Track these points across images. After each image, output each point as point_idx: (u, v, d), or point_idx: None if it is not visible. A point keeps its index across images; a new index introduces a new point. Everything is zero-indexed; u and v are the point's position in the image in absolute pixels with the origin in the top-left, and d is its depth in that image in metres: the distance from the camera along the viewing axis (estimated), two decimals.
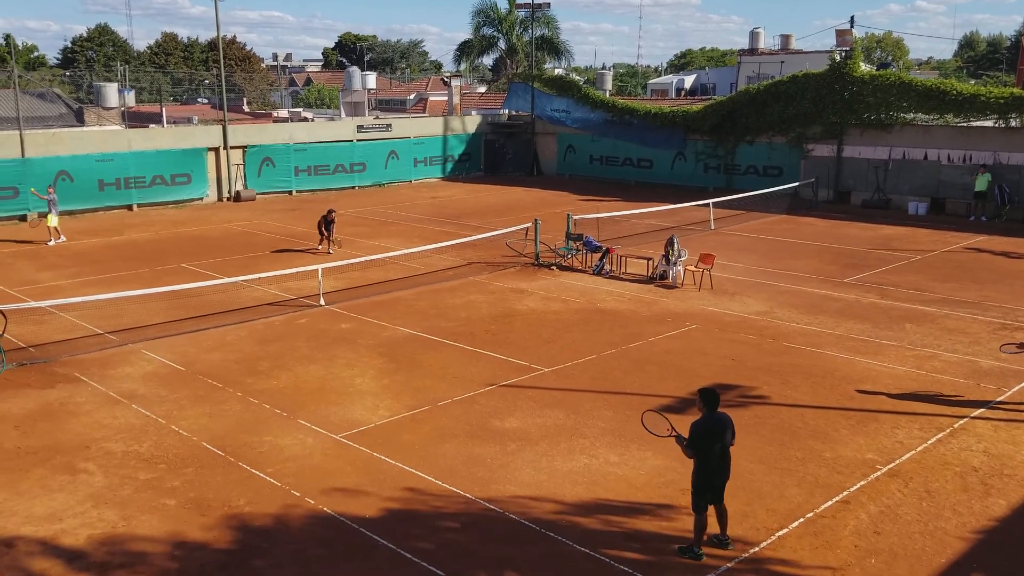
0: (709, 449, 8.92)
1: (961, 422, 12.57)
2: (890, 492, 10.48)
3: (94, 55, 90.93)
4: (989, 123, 31.11)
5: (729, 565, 8.96)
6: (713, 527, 9.24)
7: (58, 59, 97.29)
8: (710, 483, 9.01)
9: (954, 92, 31.49)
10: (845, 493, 10.46)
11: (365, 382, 14.35)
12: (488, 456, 11.52)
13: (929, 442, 11.89)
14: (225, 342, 16.57)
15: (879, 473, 10.98)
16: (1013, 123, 30.56)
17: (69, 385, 14.26)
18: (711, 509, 9.15)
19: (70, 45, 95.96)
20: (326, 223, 24.92)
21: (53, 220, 26.33)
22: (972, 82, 55.48)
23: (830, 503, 10.22)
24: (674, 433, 9.04)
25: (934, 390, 13.83)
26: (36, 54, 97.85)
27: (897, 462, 11.29)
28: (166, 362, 15.38)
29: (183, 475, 11.03)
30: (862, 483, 10.71)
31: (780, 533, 9.57)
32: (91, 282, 21.26)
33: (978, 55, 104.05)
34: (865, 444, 11.84)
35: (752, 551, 9.22)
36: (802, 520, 9.84)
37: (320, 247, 25.02)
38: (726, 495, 9.27)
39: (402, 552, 9.21)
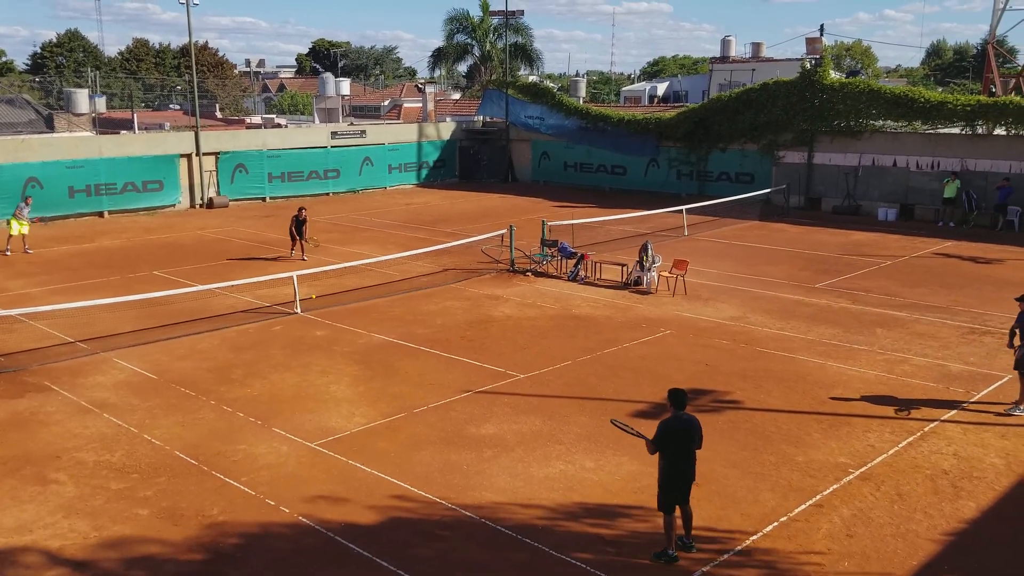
0: (674, 448, 9.06)
1: (931, 425, 12.74)
2: (862, 495, 10.60)
3: (64, 61, 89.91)
4: (956, 130, 31.58)
5: (705, 569, 9.02)
6: (678, 529, 9.32)
7: (27, 65, 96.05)
8: (675, 483, 9.10)
9: (922, 100, 31.94)
10: (818, 497, 10.57)
11: (340, 389, 14.30)
12: (464, 463, 11.51)
13: (900, 445, 12.04)
14: (198, 350, 16.44)
15: (851, 477, 11.10)
16: (980, 130, 31.05)
17: (39, 394, 14.09)
18: (677, 510, 9.23)
19: (40, 51, 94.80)
20: (297, 223, 24.36)
21: (20, 228, 25.82)
22: (939, 90, 56.25)
23: (803, 507, 10.32)
24: (641, 435, 9.22)
25: (904, 394, 14.00)
26: (4, 59, 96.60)
27: (869, 465, 11.42)
28: (138, 371, 15.23)
29: (156, 485, 10.93)
30: (835, 487, 10.83)
31: (754, 537, 9.64)
32: (61, 290, 21.01)
33: (945, 63, 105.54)
34: (837, 448, 11.97)
35: (727, 555, 9.28)
36: (776, 524, 9.92)
37: (293, 253, 24.47)
38: (693, 499, 9.34)
39: (378, 560, 9.18)
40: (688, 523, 9.38)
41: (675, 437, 9.06)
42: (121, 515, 10.16)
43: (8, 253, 25.64)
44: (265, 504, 10.41)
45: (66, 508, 10.33)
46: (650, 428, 9.53)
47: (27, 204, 26.40)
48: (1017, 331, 13.22)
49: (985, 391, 14.05)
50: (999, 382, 14.41)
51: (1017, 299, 13.53)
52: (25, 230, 26.00)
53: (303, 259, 24.06)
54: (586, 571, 8.99)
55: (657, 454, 9.16)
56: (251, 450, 11.93)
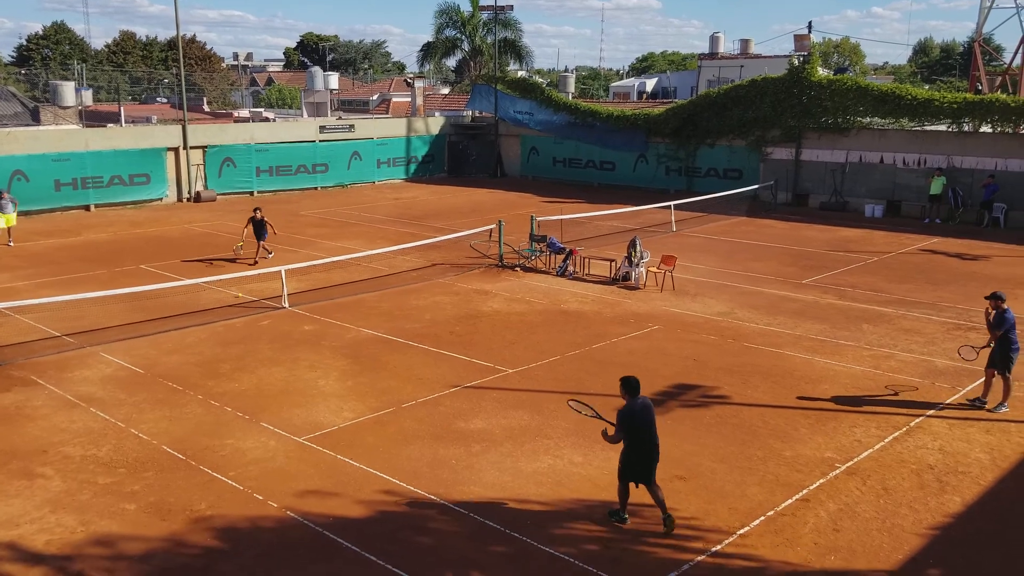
0: (637, 433, 9.45)
1: (917, 420, 12.83)
2: (849, 490, 10.67)
3: (50, 53, 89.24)
4: (943, 127, 31.75)
5: (692, 563, 9.06)
6: (655, 507, 9.74)
7: (13, 57, 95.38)
8: (643, 464, 9.54)
9: (909, 97, 32.08)
10: (805, 491, 10.63)
11: (329, 384, 14.28)
12: (453, 457, 11.52)
13: (886, 440, 12.12)
14: (185, 344, 16.38)
15: (838, 471, 11.17)
16: (966, 127, 31.21)
17: (25, 388, 14.01)
18: (643, 490, 9.71)
19: (25, 43, 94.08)
20: (256, 225, 22.98)
21: (8, 221, 25.84)
22: (926, 87, 56.54)
23: (790, 501, 10.38)
24: (602, 421, 9.63)
25: (891, 389, 14.09)
26: None
27: (855, 460, 11.49)
28: (125, 365, 15.17)
29: (143, 479, 10.89)
30: (821, 481, 10.89)
31: (742, 531, 9.70)
32: (48, 284, 20.89)
33: (932, 61, 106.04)
34: (824, 443, 12.04)
35: (714, 549, 9.33)
36: (763, 518, 9.98)
37: (242, 254, 22.98)
38: (679, 494, 9.40)
39: (367, 554, 9.19)
40: (661, 501, 9.66)
41: (638, 423, 9.45)
42: (108, 510, 10.13)
43: (11, 244, 25.73)
44: (253, 499, 10.39)
45: (53, 503, 10.29)
46: None
47: (2, 197, 26.28)
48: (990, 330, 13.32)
49: (971, 386, 14.15)
50: (984, 378, 14.51)
51: (987, 297, 13.60)
52: (12, 222, 25.95)
53: (255, 262, 22.64)
54: (574, 565, 9.01)
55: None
56: (239, 445, 11.90)
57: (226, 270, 21.41)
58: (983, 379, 13.59)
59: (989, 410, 13.19)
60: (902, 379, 14.52)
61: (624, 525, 9.76)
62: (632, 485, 9.72)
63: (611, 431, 9.58)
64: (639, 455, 9.53)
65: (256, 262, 22.70)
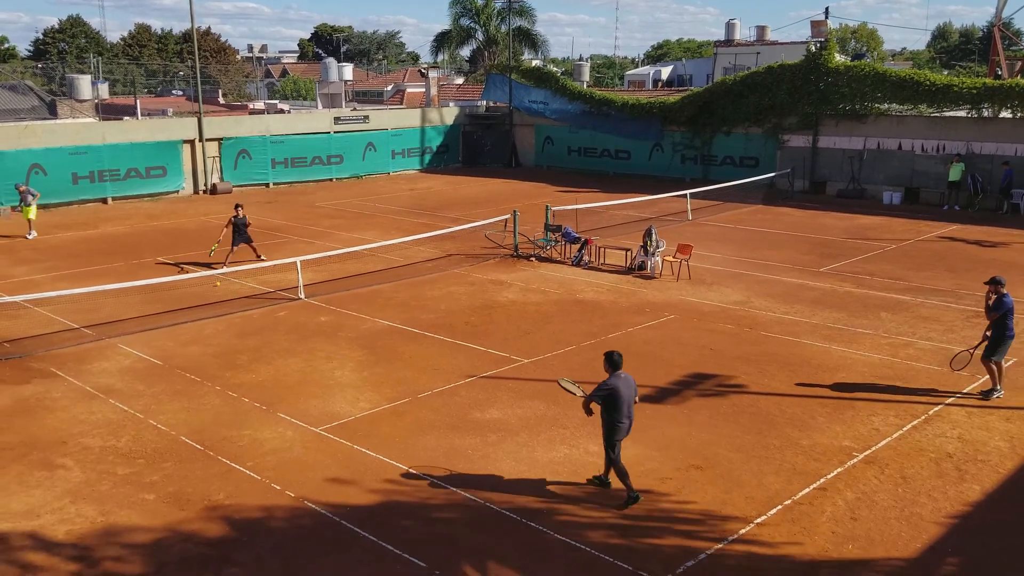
0: (618, 404, 9.85)
1: (936, 409, 12.73)
2: (866, 479, 10.61)
3: (66, 47, 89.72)
4: (962, 113, 31.42)
5: (709, 552, 9.04)
6: (599, 470, 10.46)
7: (29, 51, 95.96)
8: (622, 434, 9.97)
9: (927, 83, 31.76)
10: (822, 480, 10.58)
11: (345, 375, 14.32)
12: (468, 447, 11.54)
13: (904, 429, 12.04)
14: (203, 336, 16.47)
15: (855, 460, 11.11)
16: (985, 113, 30.88)
17: (45, 380, 14.13)
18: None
19: (41, 37, 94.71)
20: (237, 227, 21.22)
21: (32, 212, 26.12)
22: (945, 73, 55.98)
23: (807, 490, 10.34)
24: (584, 396, 10.13)
25: (909, 378, 13.99)
26: (6, 46, 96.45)
27: (873, 449, 11.43)
28: (143, 356, 15.27)
29: (162, 470, 10.97)
30: (839, 470, 10.84)
31: (759, 520, 9.66)
32: (66, 276, 21.04)
33: (951, 46, 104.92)
34: (842, 431, 11.97)
35: (731, 538, 9.31)
36: (780, 507, 9.94)
37: (228, 259, 20.91)
38: (695, 482, 9.36)
39: (384, 544, 9.22)
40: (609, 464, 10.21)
41: (621, 394, 9.87)
42: (127, 500, 10.21)
43: (33, 235, 25.99)
44: (271, 488, 10.45)
45: (73, 493, 10.38)
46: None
47: (20, 191, 26.53)
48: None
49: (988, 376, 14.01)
50: (1004, 366, 14.39)
51: (987, 282, 13.47)
52: (33, 215, 26.21)
53: (224, 263, 20.79)
54: (591, 554, 9.02)
55: (602, 412, 9.99)
56: (256, 435, 11.96)
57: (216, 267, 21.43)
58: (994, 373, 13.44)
59: (981, 395, 13.11)
60: (920, 367, 14.41)
61: (639, 502, 9.89)
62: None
63: (598, 399, 9.97)
64: (622, 426, 9.93)
65: (223, 264, 20.76)
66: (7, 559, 9.00)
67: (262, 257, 21.39)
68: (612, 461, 10.04)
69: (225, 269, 20.37)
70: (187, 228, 27.81)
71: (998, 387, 13.18)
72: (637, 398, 10.27)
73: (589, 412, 10.18)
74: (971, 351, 13.59)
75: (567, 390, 10.55)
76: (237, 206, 22.11)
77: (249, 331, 16.72)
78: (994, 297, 13.17)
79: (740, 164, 36.46)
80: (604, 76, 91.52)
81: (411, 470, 10.87)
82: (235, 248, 21.47)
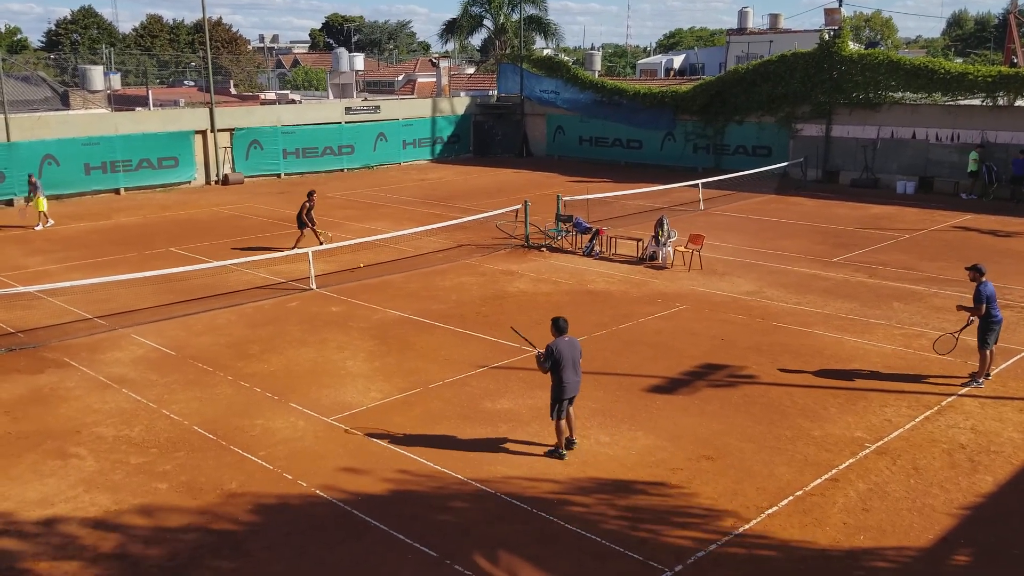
0: (562, 362, 10.63)
1: (948, 400, 12.67)
2: (878, 470, 10.58)
3: (79, 38, 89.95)
4: (977, 101, 31.15)
5: (719, 542, 9.04)
6: (565, 432, 11.03)
7: (42, 42, 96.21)
8: (567, 393, 10.78)
9: (942, 71, 31.49)
10: (834, 471, 10.55)
11: (356, 365, 14.36)
12: (479, 437, 11.55)
13: (917, 420, 11.99)
14: (215, 326, 16.54)
15: (867, 451, 11.08)
16: (1000, 101, 30.60)
17: (59, 370, 14.22)
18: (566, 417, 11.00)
19: (54, 28, 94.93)
20: (307, 210, 22.25)
21: (43, 204, 26.25)
22: (960, 61, 55.51)
23: (819, 481, 10.31)
24: (536, 350, 10.95)
25: (922, 368, 13.92)
26: (19, 37, 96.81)
27: (885, 440, 11.38)
28: (156, 346, 15.34)
29: (174, 459, 11.03)
30: (851, 461, 10.80)
31: (770, 511, 9.65)
32: (79, 267, 21.16)
33: (966, 34, 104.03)
34: (854, 422, 11.93)
35: (742, 528, 9.30)
36: (791, 498, 9.92)
37: (298, 245, 21.51)
38: (706, 472, 9.34)
39: (395, 533, 9.26)
40: (571, 425, 11.09)
41: (564, 355, 10.66)
42: (141, 489, 10.28)
43: (49, 223, 26.20)
44: (283, 478, 10.50)
45: (87, 482, 10.46)
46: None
47: (32, 182, 26.73)
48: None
49: (1004, 365, 13.95)
50: (1017, 356, 14.33)
51: (967, 268, 13.37)
52: (44, 207, 26.35)
53: (320, 243, 21.91)
54: (601, 544, 9.02)
55: (549, 373, 10.76)
56: (268, 425, 12.02)
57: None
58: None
59: (962, 383, 13.07)
60: (933, 358, 14.33)
61: (562, 460, 10.78)
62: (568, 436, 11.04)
63: (543, 359, 10.75)
64: (566, 385, 10.70)
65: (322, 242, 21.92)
66: (21, 547, 9.07)
67: (321, 239, 22.49)
68: (553, 415, 10.84)
69: (325, 245, 21.59)
70: (199, 218, 27.90)
71: (986, 375, 13.12)
72: (581, 360, 11.00)
73: (544, 369, 10.77)
74: (955, 335, 13.53)
75: (521, 337, 11.69)
76: (311, 193, 23.00)
77: (261, 321, 16.78)
78: (975, 286, 13.08)
79: (753, 153, 36.27)
80: (616, 65, 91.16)
81: (422, 460, 10.90)
82: (303, 232, 22.45)
